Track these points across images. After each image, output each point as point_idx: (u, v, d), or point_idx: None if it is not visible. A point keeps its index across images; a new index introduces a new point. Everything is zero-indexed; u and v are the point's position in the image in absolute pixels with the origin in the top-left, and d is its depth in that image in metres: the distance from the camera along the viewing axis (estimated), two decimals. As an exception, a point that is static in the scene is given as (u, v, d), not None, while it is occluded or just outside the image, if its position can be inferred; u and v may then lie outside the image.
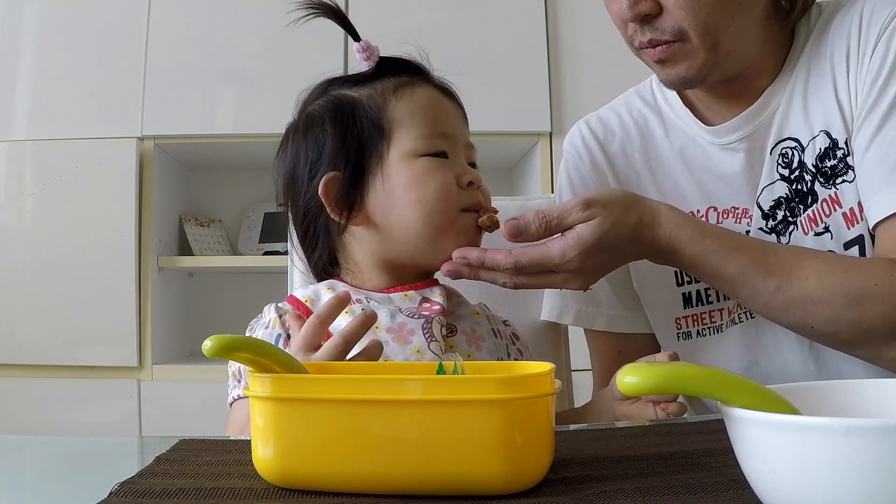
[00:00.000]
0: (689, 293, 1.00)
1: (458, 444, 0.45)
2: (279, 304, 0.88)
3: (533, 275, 0.82)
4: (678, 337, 1.02)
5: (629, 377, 0.37)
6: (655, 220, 0.83)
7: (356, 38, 0.91)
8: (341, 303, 0.76)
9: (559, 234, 0.81)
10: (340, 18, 0.91)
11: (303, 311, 0.86)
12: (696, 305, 1.00)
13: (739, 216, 0.96)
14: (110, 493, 0.46)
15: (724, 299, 0.98)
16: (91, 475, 0.56)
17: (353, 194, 0.87)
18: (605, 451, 0.57)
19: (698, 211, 0.98)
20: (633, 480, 0.48)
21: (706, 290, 0.99)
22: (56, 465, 0.61)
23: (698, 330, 1.00)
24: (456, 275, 0.83)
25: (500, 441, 0.45)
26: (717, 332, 0.99)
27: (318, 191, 0.87)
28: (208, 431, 0.70)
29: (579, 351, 1.18)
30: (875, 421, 0.33)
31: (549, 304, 1.09)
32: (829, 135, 0.90)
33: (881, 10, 0.88)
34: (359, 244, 0.89)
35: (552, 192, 1.23)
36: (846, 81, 0.89)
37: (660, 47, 0.89)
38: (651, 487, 0.46)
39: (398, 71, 0.92)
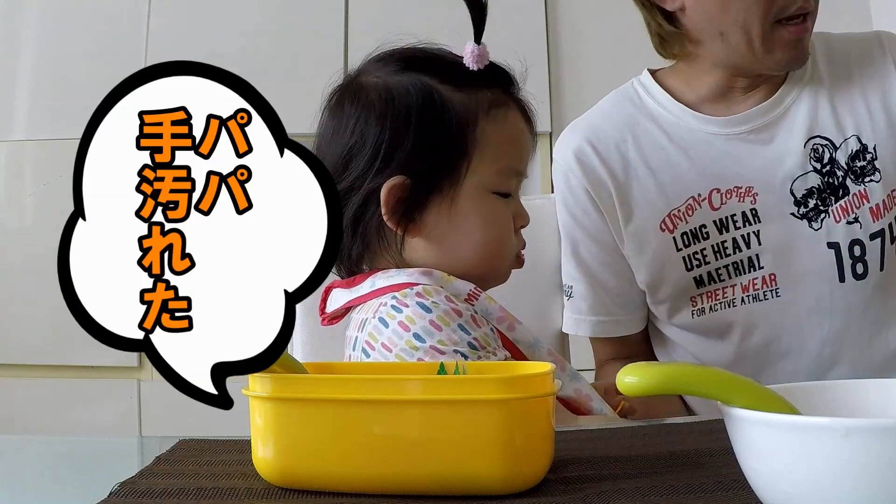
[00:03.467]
0: (701, 276, 1.03)
1: (458, 444, 0.45)
2: (429, 288, 0.75)
3: None
4: (692, 314, 1.05)
5: (629, 377, 0.37)
6: None
7: (478, 39, 0.83)
8: None
9: None
10: (479, 13, 0.84)
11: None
12: (709, 284, 1.03)
13: (743, 195, 1.01)
14: (110, 493, 0.46)
15: (737, 274, 1.02)
16: (91, 475, 0.56)
17: (415, 207, 0.78)
18: (605, 451, 0.57)
19: (700, 195, 1.02)
20: (633, 480, 0.48)
21: (717, 270, 1.02)
22: (56, 465, 0.61)
23: (711, 305, 1.04)
24: None
25: (500, 441, 0.45)
26: (731, 306, 1.03)
27: (378, 188, 0.77)
28: (208, 431, 0.70)
29: (579, 351, 1.18)
30: (875, 421, 0.33)
31: (566, 318, 1.11)
32: (859, 139, 1.00)
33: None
34: (406, 252, 0.80)
35: (552, 191, 1.23)
36: (883, 94, 1.01)
37: (803, 25, 0.96)
38: (651, 487, 0.46)
39: (495, 83, 0.84)
